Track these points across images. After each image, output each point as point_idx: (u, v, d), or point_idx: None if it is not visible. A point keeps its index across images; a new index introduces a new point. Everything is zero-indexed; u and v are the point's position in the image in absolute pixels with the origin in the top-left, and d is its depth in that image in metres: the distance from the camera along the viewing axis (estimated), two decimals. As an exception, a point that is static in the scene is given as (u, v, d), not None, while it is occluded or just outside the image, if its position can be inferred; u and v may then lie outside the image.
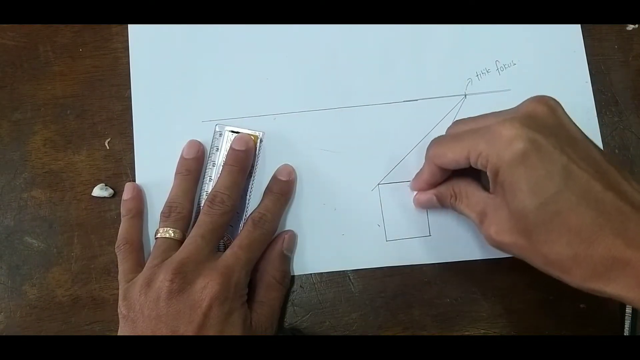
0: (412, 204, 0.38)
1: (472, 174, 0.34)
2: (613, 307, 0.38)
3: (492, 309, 0.38)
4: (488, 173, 0.30)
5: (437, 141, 0.34)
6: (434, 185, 0.35)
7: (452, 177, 0.35)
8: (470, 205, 0.32)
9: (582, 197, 0.27)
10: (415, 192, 0.37)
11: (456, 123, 0.34)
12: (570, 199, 0.27)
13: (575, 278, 0.28)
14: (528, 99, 0.31)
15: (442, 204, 0.35)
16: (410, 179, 0.38)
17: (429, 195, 0.36)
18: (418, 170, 0.37)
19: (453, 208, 0.34)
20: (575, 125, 0.30)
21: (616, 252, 0.26)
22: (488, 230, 0.31)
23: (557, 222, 0.27)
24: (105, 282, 0.39)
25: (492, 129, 0.29)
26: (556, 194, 0.27)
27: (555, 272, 0.29)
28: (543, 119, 0.29)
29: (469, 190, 0.33)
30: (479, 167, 0.30)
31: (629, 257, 0.26)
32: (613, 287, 0.27)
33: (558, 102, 0.31)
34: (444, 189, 0.35)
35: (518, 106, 0.31)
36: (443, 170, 0.34)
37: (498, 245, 0.31)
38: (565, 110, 0.39)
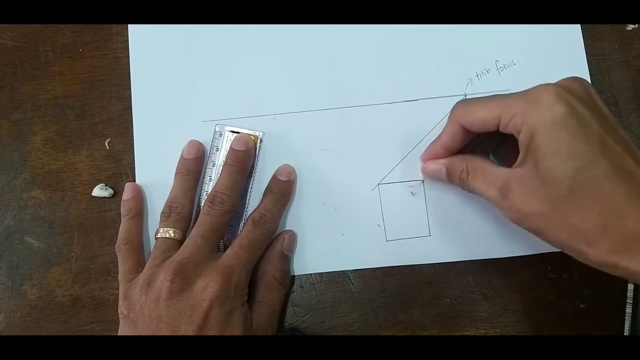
0: (413, 203, 0.38)
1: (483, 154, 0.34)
2: (613, 307, 0.38)
3: (492, 309, 0.38)
4: (521, 136, 0.29)
5: (465, 100, 0.33)
6: (448, 151, 0.34)
7: (467, 154, 0.34)
8: (488, 181, 0.31)
9: (617, 167, 0.27)
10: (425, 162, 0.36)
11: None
12: (607, 166, 0.27)
13: (601, 250, 0.27)
14: (565, 78, 0.31)
15: (450, 178, 0.34)
16: (410, 179, 0.38)
17: (439, 165, 0.35)
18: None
19: (463, 184, 0.33)
20: (607, 108, 0.30)
21: None
22: (513, 201, 0.30)
23: (592, 187, 0.27)
24: (105, 282, 0.39)
25: (530, 92, 0.29)
26: (594, 159, 0.27)
27: (579, 245, 0.28)
28: (579, 93, 0.29)
29: (484, 166, 0.32)
30: (509, 129, 0.30)
31: None
32: (637, 262, 0.27)
33: (591, 85, 0.31)
34: (457, 162, 0.34)
35: (556, 81, 0.31)
36: (465, 133, 0.33)
37: (522, 218, 0.30)
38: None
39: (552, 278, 0.38)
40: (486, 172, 0.32)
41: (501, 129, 0.30)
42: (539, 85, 0.30)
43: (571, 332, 0.37)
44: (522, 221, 0.30)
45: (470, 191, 0.33)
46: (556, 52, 0.40)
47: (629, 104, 0.40)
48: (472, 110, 0.32)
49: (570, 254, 0.29)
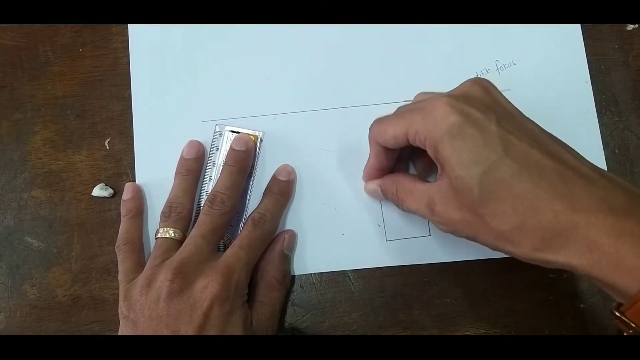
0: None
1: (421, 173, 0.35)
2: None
3: (492, 309, 0.38)
4: (428, 151, 0.30)
5: (378, 120, 0.34)
6: (381, 171, 0.35)
7: (398, 175, 0.35)
8: (417, 200, 0.32)
9: (523, 165, 0.27)
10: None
11: (400, 106, 0.35)
12: (512, 166, 0.27)
13: (526, 249, 0.27)
14: (464, 81, 0.31)
15: (385, 197, 0.35)
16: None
17: (375, 185, 0.36)
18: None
19: (399, 207, 0.34)
20: (511, 103, 0.30)
21: (563, 217, 0.26)
22: (439, 214, 0.30)
23: (501, 191, 0.27)
24: (105, 282, 0.39)
25: (426, 106, 0.29)
26: (497, 161, 0.27)
27: (505, 247, 0.28)
28: (477, 97, 0.30)
29: (411, 186, 0.33)
30: (418, 144, 0.30)
31: (577, 221, 0.26)
32: (564, 255, 0.26)
33: (492, 84, 0.31)
34: (388, 183, 0.35)
35: (455, 88, 0.31)
36: (387, 151, 0.34)
37: (451, 229, 0.30)
38: (565, 110, 0.40)
39: (552, 278, 0.38)
40: (413, 191, 0.32)
41: (412, 144, 0.31)
42: (434, 96, 0.30)
43: (571, 332, 0.37)
44: (453, 231, 0.30)
45: (405, 212, 0.34)
46: (556, 52, 0.40)
47: (629, 104, 0.40)
48: (384, 129, 0.32)
49: (505, 254, 0.29)
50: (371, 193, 0.37)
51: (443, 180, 0.29)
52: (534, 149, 0.27)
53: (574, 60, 0.40)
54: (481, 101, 0.29)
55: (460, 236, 0.30)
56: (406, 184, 0.33)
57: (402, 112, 0.32)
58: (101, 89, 0.41)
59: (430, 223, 0.38)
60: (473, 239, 0.30)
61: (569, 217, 0.26)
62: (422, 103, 0.31)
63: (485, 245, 0.29)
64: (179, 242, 0.35)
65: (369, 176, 0.36)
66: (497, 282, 0.38)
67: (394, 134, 0.31)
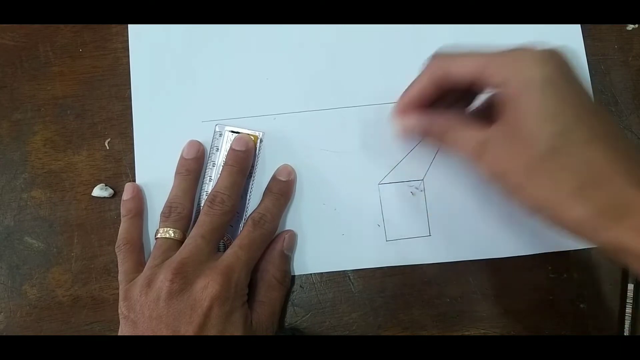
0: (413, 203, 0.38)
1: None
2: (613, 307, 0.38)
3: (492, 309, 0.38)
4: (507, 90, 0.28)
5: (444, 51, 0.32)
6: (417, 104, 0.33)
7: (447, 112, 0.33)
8: (465, 139, 0.30)
9: (597, 133, 0.27)
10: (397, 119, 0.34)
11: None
12: (587, 132, 0.27)
13: (576, 216, 0.26)
14: (539, 46, 0.30)
15: (425, 135, 0.34)
16: (410, 179, 0.38)
17: (415, 120, 0.33)
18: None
19: (440, 142, 0.32)
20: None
21: (626, 192, 0.25)
22: (490, 160, 0.29)
23: (570, 152, 0.27)
24: (105, 282, 0.39)
25: (520, 49, 0.28)
26: (575, 123, 0.27)
27: (551, 210, 0.27)
28: (565, 59, 0.29)
29: (461, 126, 0.31)
30: (491, 82, 0.29)
31: (636, 197, 0.25)
32: (616, 231, 0.25)
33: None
34: (434, 118, 0.33)
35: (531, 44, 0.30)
36: (436, 87, 0.31)
37: (498, 176, 0.29)
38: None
39: (552, 278, 0.38)
40: (464, 129, 0.31)
41: (480, 82, 0.29)
42: (524, 45, 0.29)
43: (571, 332, 0.37)
44: (498, 179, 0.29)
45: (445, 149, 0.32)
46: (556, 52, 0.40)
47: (629, 104, 0.40)
48: (452, 60, 0.30)
49: (544, 216, 0.28)
50: (407, 128, 0.34)
51: (504, 126, 0.28)
52: (610, 123, 0.28)
53: (574, 60, 0.40)
54: (570, 64, 0.29)
55: (502, 186, 0.29)
56: (456, 120, 0.31)
57: (479, 50, 0.30)
58: (101, 89, 0.41)
59: (430, 222, 0.38)
60: (516, 191, 0.28)
61: (630, 191, 0.25)
62: (506, 48, 0.29)
63: (527, 203, 0.28)
64: (179, 242, 0.35)
65: (405, 107, 0.33)
66: (497, 282, 0.38)
67: (464, 67, 0.30)
